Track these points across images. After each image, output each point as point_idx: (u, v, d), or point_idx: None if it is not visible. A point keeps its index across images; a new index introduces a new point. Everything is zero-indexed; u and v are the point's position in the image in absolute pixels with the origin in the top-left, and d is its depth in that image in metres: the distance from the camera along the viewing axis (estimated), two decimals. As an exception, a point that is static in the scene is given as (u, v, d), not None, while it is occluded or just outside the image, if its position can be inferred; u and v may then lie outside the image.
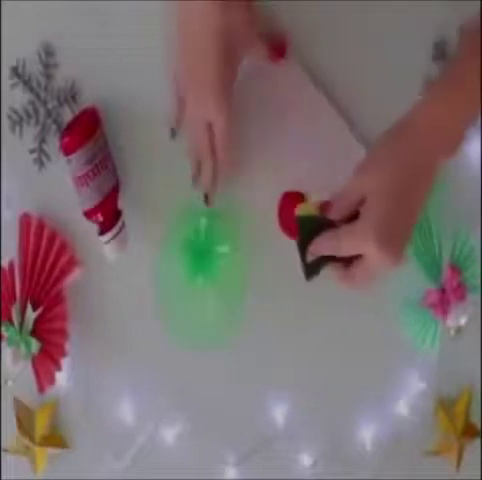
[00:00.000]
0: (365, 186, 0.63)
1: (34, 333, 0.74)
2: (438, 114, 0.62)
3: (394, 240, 0.62)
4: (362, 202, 0.63)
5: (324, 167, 0.75)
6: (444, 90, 0.63)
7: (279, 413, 0.80)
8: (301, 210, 0.69)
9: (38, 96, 0.74)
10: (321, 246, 0.66)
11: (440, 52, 0.75)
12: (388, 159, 0.63)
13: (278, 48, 0.68)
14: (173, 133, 0.71)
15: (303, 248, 0.67)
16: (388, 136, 0.64)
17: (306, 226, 0.67)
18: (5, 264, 0.75)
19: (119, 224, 0.72)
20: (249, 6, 0.63)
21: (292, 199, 0.73)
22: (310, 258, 0.67)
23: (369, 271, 0.64)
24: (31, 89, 0.74)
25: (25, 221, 0.75)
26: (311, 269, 0.67)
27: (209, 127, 0.68)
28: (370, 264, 0.63)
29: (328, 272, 0.67)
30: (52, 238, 0.75)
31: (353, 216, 0.64)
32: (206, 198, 0.73)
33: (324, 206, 0.67)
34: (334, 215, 0.66)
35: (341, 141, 0.75)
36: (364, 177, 0.64)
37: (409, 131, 0.62)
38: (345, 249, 0.64)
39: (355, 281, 0.66)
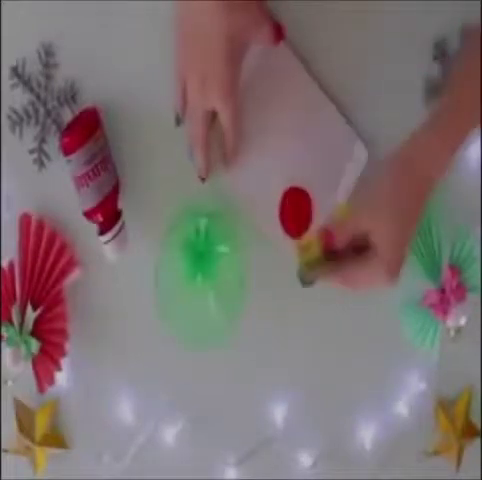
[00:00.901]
0: (370, 222, 0.66)
1: (34, 333, 0.74)
2: (432, 145, 0.66)
3: (400, 265, 0.66)
4: (365, 233, 0.66)
5: (323, 162, 0.75)
6: (437, 121, 0.67)
7: (279, 413, 0.80)
8: (305, 252, 0.70)
9: (38, 96, 0.74)
10: (335, 281, 0.69)
11: (440, 52, 0.75)
12: (390, 193, 0.66)
13: (277, 31, 0.67)
14: (178, 120, 0.71)
15: (306, 282, 0.70)
16: (388, 170, 0.67)
17: (311, 267, 0.69)
18: (5, 264, 0.75)
19: (119, 224, 0.72)
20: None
21: (294, 196, 0.74)
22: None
23: (372, 280, 0.68)
24: (31, 89, 0.74)
25: (25, 221, 0.75)
26: (309, 282, 0.70)
27: (207, 116, 0.68)
28: (375, 280, 0.67)
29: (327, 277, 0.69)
30: (52, 238, 0.75)
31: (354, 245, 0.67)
32: (202, 179, 0.74)
33: (325, 237, 0.69)
34: (337, 245, 0.68)
35: (339, 135, 0.75)
36: (368, 213, 0.67)
37: (408, 165, 0.66)
38: (359, 284, 0.68)
39: (358, 285, 0.69)
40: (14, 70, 0.73)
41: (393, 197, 0.66)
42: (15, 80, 0.73)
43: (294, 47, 0.73)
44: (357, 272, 0.68)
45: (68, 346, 0.76)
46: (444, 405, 0.82)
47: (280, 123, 0.75)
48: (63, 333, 0.75)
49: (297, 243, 0.72)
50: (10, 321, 0.74)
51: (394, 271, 0.66)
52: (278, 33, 0.66)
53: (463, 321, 0.77)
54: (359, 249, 0.67)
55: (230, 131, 0.70)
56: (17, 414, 0.79)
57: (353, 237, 0.67)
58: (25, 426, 0.79)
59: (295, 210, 0.76)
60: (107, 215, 0.72)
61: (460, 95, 0.67)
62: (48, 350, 0.75)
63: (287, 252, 0.75)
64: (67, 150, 0.70)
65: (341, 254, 0.68)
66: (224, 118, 0.68)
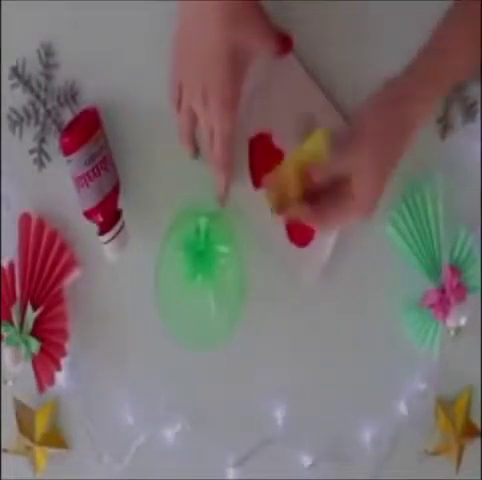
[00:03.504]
0: (352, 161, 0.64)
1: (34, 333, 0.74)
2: (417, 85, 0.64)
3: (375, 205, 0.65)
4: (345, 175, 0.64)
5: None
6: (421, 62, 0.65)
7: (279, 413, 0.80)
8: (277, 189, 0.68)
9: (38, 96, 0.74)
10: (308, 216, 0.67)
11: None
12: (373, 131, 0.64)
13: (284, 42, 0.65)
14: (196, 153, 0.73)
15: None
16: (370, 109, 0.65)
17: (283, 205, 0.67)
18: (5, 264, 0.75)
19: (119, 224, 0.72)
20: (257, 13, 0.62)
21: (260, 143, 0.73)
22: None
23: (343, 219, 0.66)
24: (31, 89, 0.74)
25: (25, 221, 0.75)
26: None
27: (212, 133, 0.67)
28: (347, 219, 0.66)
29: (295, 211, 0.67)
30: (52, 238, 0.75)
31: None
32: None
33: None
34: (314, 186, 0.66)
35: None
36: (350, 151, 0.64)
37: (391, 103, 0.64)
38: (329, 220, 0.66)
39: (327, 220, 0.67)
40: (14, 70, 0.73)
41: (376, 135, 0.63)
42: (15, 80, 0.73)
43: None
44: (329, 209, 0.65)
45: (68, 346, 0.76)
46: (444, 405, 0.82)
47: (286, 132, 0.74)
48: (63, 333, 0.75)
49: (270, 179, 0.69)
50: (10, 321, 0.74)
51: (368, 211, 0.65)
52: (285, 44, 0.65)
53: (463, 321, 0.77)
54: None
55: (220, 150, 0.67)
56: (17, 414, 0.79)
57: (332, 179, 0.65)
58: (25, 426, 0.79)
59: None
60: (107, 215, 0.72)
61: (445, 37, 0.65)
62: (48, 350, 0.75)
63: (287, 252, 0.75)
64: (67, 150, 0.70)
65: (316, 195, 0.66)
66: (217, 134, 0.66)
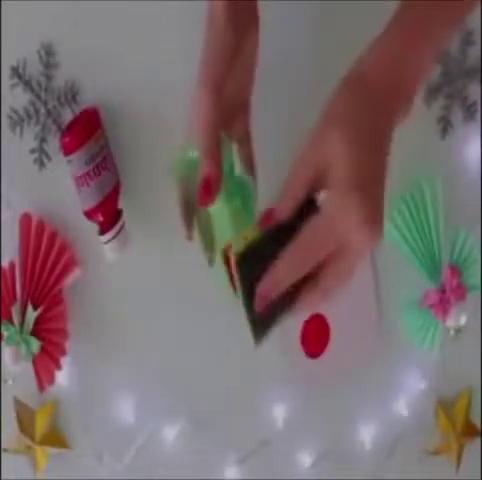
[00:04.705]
0: (324, 155, 0.50)
1: (34, 333, 0.74)
2: (391, 50, 0.53)
3: (376, 209, 0.49)
4: (318, 185, 0.50)
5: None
6: (393, 26, 0.54)
7: (279, 413, 0.80)
8: (234, 246, 0.50)
9: (38, 96, 0.74)
10: (279, 270, 0.50)
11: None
12: (343, 122, 0.51)
13: None
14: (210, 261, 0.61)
15: (249, 298, 0.50)
16: (338, 98, 0.54)
17: (248, 266, 0.49)
18: (5, 264, 0.75)
19: (119, 224, 0.72)
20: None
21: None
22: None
23: (349, 263, 0.50)
24: (31, 89, 0.74)
25: (25, 221, 0.75)
26: (263, 325, 0.53)
27: None
28: (351, 251, 0.49)
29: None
30: (52, 238, 0.75)
31: (306, 209, 0.50)
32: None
33: (266, 218, 0.51)
34: (281, 214, 0.51)
35: None
36: (322, 146, 0.50)
37: (360, 86, 0.53)
38: (318, 248, 0.49)
39: (330, 287, 0.53)
40: (14, 70, 0.73)
41: (350, 117, 0.51)
42: (15, 80, 0.73)
43: (293, 47, 0.73)
44: (314, 231, 0.49)
45: (68, 346, 0.76)
46: (444, 405, 0.82)
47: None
48: (63, 333, 0.75)
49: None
50: (10, 321, 0.74)
51: (367, 211, 0.48)
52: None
53: (463, 321, 0.77)
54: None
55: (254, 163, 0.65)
56: (17, 413, 0.79)
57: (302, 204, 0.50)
58: (25, 425, 0.79)
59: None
60: (107, 215, 0.72)
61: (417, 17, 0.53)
62: (48, 349, 0.75)
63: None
64: (67, 150, 0.70)
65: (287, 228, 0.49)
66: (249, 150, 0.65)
